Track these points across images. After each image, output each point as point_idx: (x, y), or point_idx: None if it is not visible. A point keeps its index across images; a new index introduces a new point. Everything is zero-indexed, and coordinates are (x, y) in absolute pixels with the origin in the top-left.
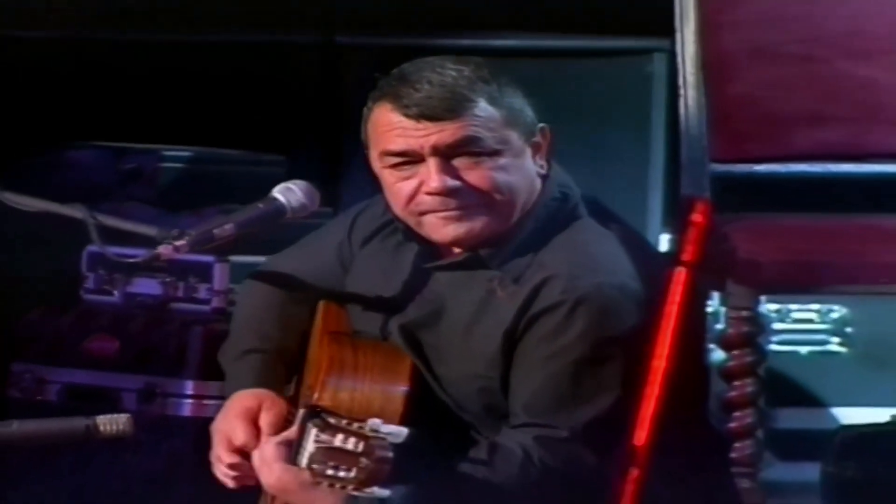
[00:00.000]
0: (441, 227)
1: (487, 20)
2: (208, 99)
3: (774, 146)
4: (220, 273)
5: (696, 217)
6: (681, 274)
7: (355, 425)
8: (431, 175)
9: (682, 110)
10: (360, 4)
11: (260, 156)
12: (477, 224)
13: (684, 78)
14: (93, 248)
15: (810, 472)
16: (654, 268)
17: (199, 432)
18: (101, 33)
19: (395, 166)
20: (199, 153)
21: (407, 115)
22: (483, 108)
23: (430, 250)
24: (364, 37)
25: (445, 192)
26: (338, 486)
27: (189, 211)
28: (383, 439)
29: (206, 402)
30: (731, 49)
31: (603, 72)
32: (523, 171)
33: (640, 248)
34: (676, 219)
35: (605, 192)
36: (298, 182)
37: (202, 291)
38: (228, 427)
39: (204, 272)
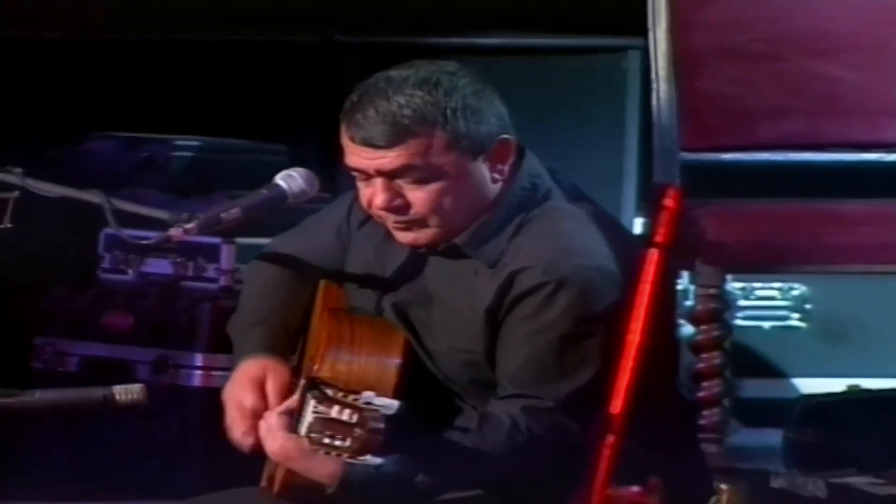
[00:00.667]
0: (397, 234)
1: (476, 20)
2: (217, 93)
3: (740, 136)
4: (227, 254)
5: (668, 202)
6: (653, 255)
7: (350, 398)
8: (377, 193)
9: (654, 103)
10: (358, 6)
11: (264, 145)
12: (424, 234)
13: (656, 73)
14: (109, 230)
15: (773, 437)
16: (628, 249)
17: (208, 401)
18: (117, 35)
19: (356, 176)
20: (208, 143)
21: (353, 140)
22: (422, 139)
23: None
24: (361, 36)
25: (389, 210)
26: (334, 453)
27: (198, 196)
28: (376, 411)
29: (214, 372)
30: (700, 47)
31: (582, 67)
32: (468, 187)
33: (614, 230)
34: (649, 204)
35: (583, 179)
36: (299, 169)
37: (210, 271)
38: (238, 395)
39: (212, 253)
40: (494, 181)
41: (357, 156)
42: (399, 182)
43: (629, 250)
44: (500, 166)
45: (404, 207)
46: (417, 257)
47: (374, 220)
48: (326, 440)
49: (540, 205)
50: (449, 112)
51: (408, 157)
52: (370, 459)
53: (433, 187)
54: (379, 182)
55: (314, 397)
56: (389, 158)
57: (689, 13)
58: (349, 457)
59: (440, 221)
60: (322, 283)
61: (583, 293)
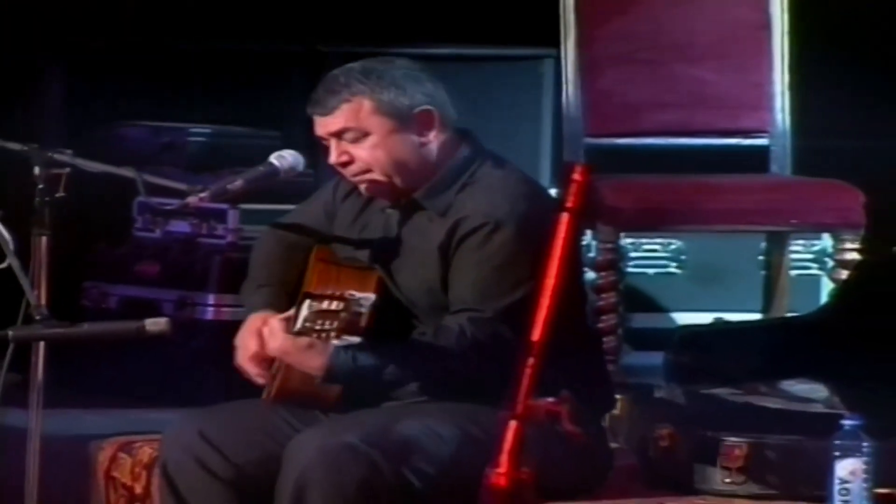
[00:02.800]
0: (361, 188)
1: (429, 34)
2: (224, 90)
3: (630, 125)
4: (233, 217)
5: (576, 176)
6: (565, 217)
7: (338, 293)
8: (332, 152)
9: (564, 100)
10: (337, 22)
11: (261, 132)
12: (376, 184)
13: (566, 77)
14: (141, 198)
15: (656, 359)
16: (543, 199)
17: (219, 331)
18: (144, 42)
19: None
20: (217, 130)
21: (312, 114)
22: (352, 105)
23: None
24: (338, 46)
25: (340, 165)
26: (324, 335)
27: (209, 172)
28: (358, 301)
29: (223, 309)
30: (599, 56)
31: (507, 72)
32: (396, 144)
33: (532, 186)
34: (561, 178)
35: (509, 159)
36: (289, 151)
37: (220, 230)
38: (245, 342)
39: (221, 216)
40: (423, 145)
41: (316, 125)
42: (343, 143)
43: (544, 200)
44: (424, 132)
45: (350, 162)
46: (388, 217)
47: (355, 193)
48: (318, 325)
49: (477, 168)
50: (375, 86)
51: (344, 121)
52: (352, 339)
53: (366, 143)
54: (332, 143)
55: (308, 299)
56: (331, 122)
57: (591, 30)
58: (336, 336)
59: (382, 171)
60: (314, 247)
61: (514, 231)
